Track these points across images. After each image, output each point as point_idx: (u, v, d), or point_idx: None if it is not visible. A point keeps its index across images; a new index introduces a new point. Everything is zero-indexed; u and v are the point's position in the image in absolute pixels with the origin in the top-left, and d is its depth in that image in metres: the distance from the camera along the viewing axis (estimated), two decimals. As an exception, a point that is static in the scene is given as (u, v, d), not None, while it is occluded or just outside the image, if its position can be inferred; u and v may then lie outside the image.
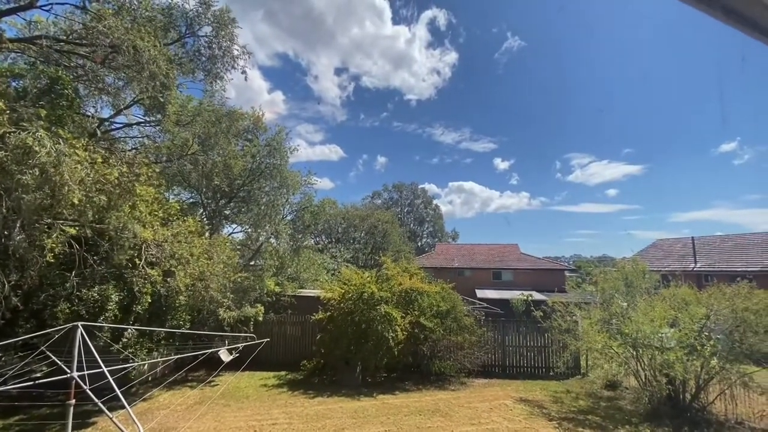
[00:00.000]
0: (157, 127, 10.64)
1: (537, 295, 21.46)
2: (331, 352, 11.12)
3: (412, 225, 60.74)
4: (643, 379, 8.75)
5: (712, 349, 7.63)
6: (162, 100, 8.44)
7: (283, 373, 11.92)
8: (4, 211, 5.50)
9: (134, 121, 10.97)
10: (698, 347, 7.74)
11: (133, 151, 10.33)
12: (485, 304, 17.74)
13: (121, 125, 10.91)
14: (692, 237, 28.28)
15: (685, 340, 7.99)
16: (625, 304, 9.79)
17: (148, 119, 10.67)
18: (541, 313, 11.42)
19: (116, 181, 5.97)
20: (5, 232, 5.90)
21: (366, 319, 10.77)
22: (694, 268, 24.91)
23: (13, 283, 6.09)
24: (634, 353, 8.75)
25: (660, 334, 8.32)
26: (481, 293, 25.18)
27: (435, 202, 62.64)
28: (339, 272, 18.04)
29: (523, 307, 18.79)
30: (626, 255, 15.17)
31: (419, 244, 58.45)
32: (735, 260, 24.00)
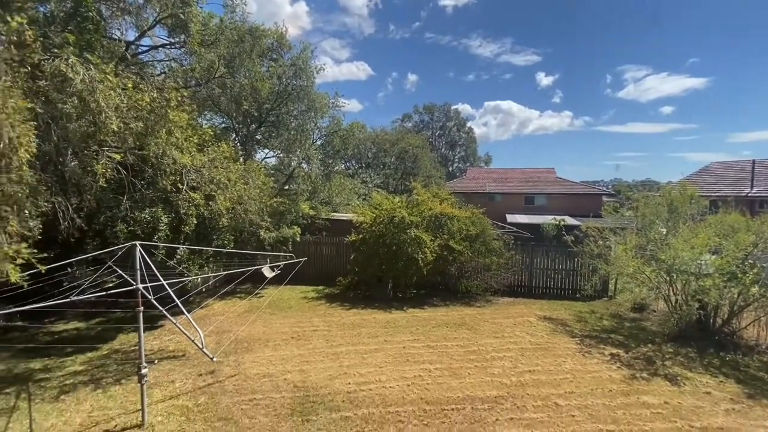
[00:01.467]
0: (182, 49, 10.36)
1: (570, 220, 21.10)
2: (364, 271, 11.84)
3: (443, 149, 59.09)
4: (673, 303, 8.79)
5: (754, 276, 7.40)
6: (183, 17, 8.07)
7: (320, 287, 12.97)
8: (55, 139, 5.81)
9: (159, 43, 10.70)
10: (739, 275, 7.53)
11: (162, 75, 10.26)
12: (515, 229, 17.75)
13: (147, 48, 10.69)
14: (753, 160, 25.83)
15: (727, 267, 7.76)
16: (665, 230, 9.46)
17: (172, 40, 10.37)
18: (573, 238, 11.34)
19: (149, 106, 6.04)
20: (59, 159, 6.31)
21: (397, 241, 11.17)
22: (749, 193, 23.18)
23: (75, 206, 6.68)
24: (668, 278, 8.69)
25: (699, 261, 8.12)
26: (511, 218, 25.06)
27: (468, 124, 59.85)
28: (370, 197, 18.33)
29: (554, 231, 18.64)
30: (673, 180, 14.23)
31: (450, 168, 57.38)
32: (799, 185, 22.00)
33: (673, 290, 8.78)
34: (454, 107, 59.93)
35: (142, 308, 5.26)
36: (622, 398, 6.05)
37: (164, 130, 6.50)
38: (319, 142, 16.21)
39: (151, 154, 6.86)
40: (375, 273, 11.67)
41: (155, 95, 6.28)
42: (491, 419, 5.47)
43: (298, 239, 12.79)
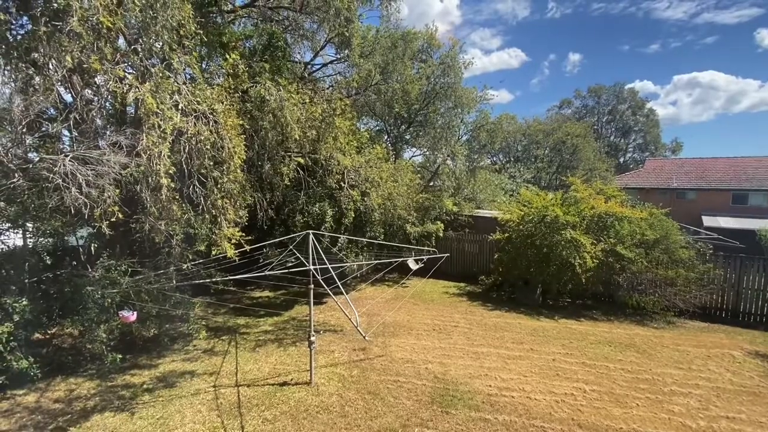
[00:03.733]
0: (346, 63, 11.79)
1: (813, 227, 15.29)
2: (509, 272, 11.23)
3: (612, 137, 50.68)
4: None
5: None
6: (347, 34, 9.18)
7: (462, 284, 12.93)
8: (256, 147, 7.48)
9: (328, 60, 12.47)
10: None
11: (330, 88, 11.91)
12: (716, 235, 13.91)
13: (320, 66, 12.61)
14: None
15: None
16: None
17: (338, 56, 11.94)
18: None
19: (320, 117, 7.14)
20: (259, 163, 8.08)
21: (548, 243, 10.20)
22: None
23: (268, 200, 8.46)
24: None
25: None
26: (711, 221, 19.76)
27: (649, 105, 49.51)
28: (518, 193, 17.20)
29: (783, 241, 13.83)
30: None
31: (622, 160, 48.83)
32: None
33: None
34: (628, 86, 50.59)
35: (312, 286, 6.29)
36: None
37: (331, 136, 7.58)
38: (464, 138, 16.12)
39: (321, 158, 8.10)
40: (521, 275, 10.93)
41: (325, 107, 7.37)
42: (667, 465, 4.50)
43: (441, 235, 13.04)
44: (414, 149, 17.27)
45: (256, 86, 6.76)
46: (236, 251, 6.00)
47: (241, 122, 6.12)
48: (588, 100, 51.70)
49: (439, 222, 13.28)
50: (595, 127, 48.18)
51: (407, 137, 16.29)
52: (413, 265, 10.92)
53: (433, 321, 9.45)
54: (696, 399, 5.93)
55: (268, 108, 6.37)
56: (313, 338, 6.21)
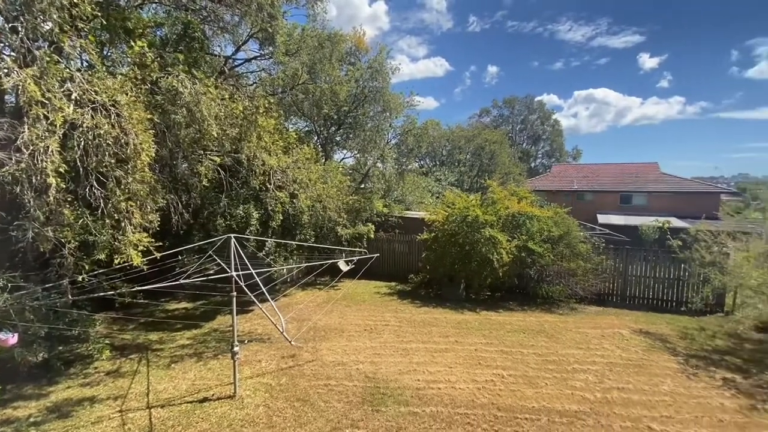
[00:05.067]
0: (270, 60, 11.36)
1: (677, 222, 18.45)
2: (436, 269, 11.75)
3: (524, 144, 55.80)
4: (816, 325, 7.18)
5: None
6: (270, 30, 8.85)
7: (392, 283, 13.21)
8: (169, 144, 6.83)
9: (252, 56, 11.89)
10: None
11: (254, 85, 11.38)
12: (607, 231, 16.07)
13: (242, 61, 11.96)
14: None
15: None
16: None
17: (262, 52, 11.45)
18: (680, 243, 9.89)
19: (242, 114, 6.77)
20: (173, 162, 7.39)
21: (470, 241, 10.88)
22: None
23: (184, 202, 7.77)
24: (808, 295, 7.13)
25: None
26: (604, 219, 22.73)
27: (554, 116, 55.50)
28: (443, 195, 18.11)
29: (656, 234, 16.46)
30: (822, 174, 11.58)
31: (533, 165, 53.96)
32: None
33: (816, 309, 7.18)
34: (537, 99, 56.23)
35: (235, 293, 5.92)
36: (736, 431, 5.13)
37: (255, 134, 7.22)
38: (393, 142, 16.51)
39: (244, 157, 7.67)
40: (447, 272, 11.51)
41: (247, 104, 7.01)
42: (570, 435, 5.06)
43: (372, 236, 13.18)
44: (345, 151, 17.28)
45: (167, 77, 6.18)
46: (145, 259, 5.41)
47: (150, 116, 5.55)
48: (503, 109, 56.40)
49: (370, 224, 13.42)
50: (510, 134, 52.71)
51: (337, 139, 16.22)
52: (343, 267, 10.86)
53: (365, 321, 9.50)
54: (593, 374, 6.77)
55: (181, 101, 5.86)
56: (236, 348, 5.85)
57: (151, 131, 5.34)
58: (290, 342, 6.82)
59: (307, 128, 16.31)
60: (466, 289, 11.53)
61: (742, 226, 9.82)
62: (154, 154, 5.29)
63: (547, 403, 5.81)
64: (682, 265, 10.25)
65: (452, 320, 9.61)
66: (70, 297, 6.11)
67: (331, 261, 10.24)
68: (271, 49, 10.14)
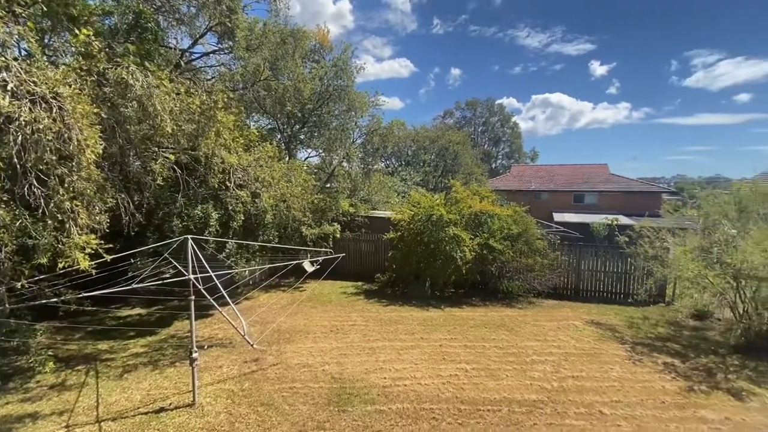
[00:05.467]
0: (230, 54, 10.97)
1: (624, 220, 19.77)
2: (402, 268, 11.88)
3: (486, 145, 57.57)
4: (741, 312, 7.98)
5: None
6: (230, 24, 8.54)
7: (359, 283, 13.19)
8: (120, 141, 6.40)
9: (210, 50, 11.42)
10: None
11: (212, 80, 10.93)
12: (562, 228, 16.95)
13: (200, 54, 11.45)
14: None
15: (806, 272, 6.92)
16: (734, 231, 8.58)
17: (221, 47, 11.02)
18: (626, 239, 10.61)
19: (199, 109, 6.48)
20: (124, 160, 6.94)
21: (435, 239, 11.09)
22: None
23: (137, 202, 7.32)
24: (734, 284, 7.89)
25: (772, 265, 7.30)
26: (559, 217, 23.93)
27: (514, 119, 57.74)
28: (409, 195, 18.32)
29: (605, 231, 17.56)
30: (747, 176, 12.86)
31: (493, 165, 55.80)
32: None
33: (740, 297, 7.96)
34: (498, 102, 58.22)
35: (193, 297, 5.67)
36: (676, 411, 5.60)
37: (213, 131, 6.94)
38: (359, 141, 16.48)
39: (202, 155, 7.34)
40: (413, 271, 11.66)
41: (205, 98, 6.71)
42: (529, 423, 5.29)
43: (338, 236, 13.09)
44: (309, 150, 17.02)
45: (116, 69, 5.80)
46: (93, 263, 5.05)
47: (96, 110, 5.17)
48: (466, 111, 57.94)
49: (336, 223, 13.31)
50: (472, 136, 54.20)
51: (301, 137, 15.95)
52: (309, 267, 10.70)
53: (331, 322, 9.42)
54: (550, 364, 7.11)
55: (132, 95, 5.50)
56: (195, 355, 5.60)
57: (98, 126, 4.98)
58: (253, 345, 6.64)
59: (269, 126, 15.91)
60: (432, 286, 11.74)
61: (680, 222, 10.70)
62: (101, 151, 4.94)
63: (507, 394, 6.04)
64: (629, 260, 11.00)
65: (418, 318, 9.75)
66: (7, 305, 5.60)
67: (295, 262, 10.06)
68: (230, 43, 9.78)
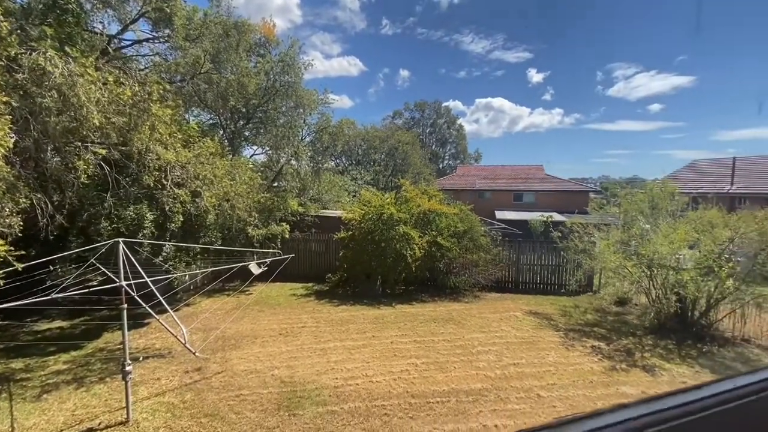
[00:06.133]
0: (167, 44, 10.22)
1: (558, 217, 21.41)
2: (353, 267, 11.87)
3: (434, 146, 59.22)
4: (653, 297, 9.02)
5: (729, 270, 7.64)
6: (168, 10, 7.96)
7: (310, 284, 12.96)
8: (35, 134, 5.70)
9: (143, 38, 10.53)
10: (716, 269, 7.77)
11: (146, 70, 10.11)
12: (503, 225, 17.96)
13: (131, 42, 10.53)
14: (734, 157, 26.46)
15: (704, 261, 8.01)
16: (648, 226, 9.68)
17: (156, 35, 10.22)
18: (559, 234, 11.52)
19: (130, 101, 5.97)
20: (40, 155, 6.20)
21: (385, 238, 11.23)
22: (729, 190, 23.78)
23: (56, 203, 6.58)
24: (648, 273, 8.91)
25: (677, 256, 8.35)
26: (500, 215, 25.31)
27: (459, 121, 59.97)
28: (359, 194, 18.34)
29: (542, 228, 18.91)
30: (658, 177, 14.56)
31: (441, 165, 57.58)
32: (777, 182, 22.62)
33: (653, 284, 9.00)
34: (444, 104, 60.05)
35: (125, 305, 5.22)
36: (602, 389, 6.21)
37: (147, 125, 6.43)
38: (308, 139, 16.16)
39: (135, 150, 6.77)
40: (364, 269, 11.71)
41: (137, 89, 6.19)
42: (475, 411, 5.57)
43: (287, 236, 12.75)
44: (255, 147, 16.37)
45: (31, 54, 5.16)
46: (1, 272, 4.46)
47: (5, 99, 4.57)
48: (415, 112, 59.17)
49: (284, 223, 12.95)
50: (421, 137, 55.48)
51: (246, 134, 15.27)
52: (255, 270, 10.34)
53: (280, 325, 9.17)
54: (494, 354, 7.53)
55: (51, 83, 4.92)
56: (128, 368, 5.17)
57: (7, 116, 4.41)
58: (195, 354, 6.26)
59: (211, 121, 15.07)
60: (383, 284, 11.87)
61: (605, 219, 11.85)
62: (12, 145, 4.38)
63: (455, 385, 6.30)
64: (562, 253, 11.96)
65: (370, 316, 9.81)
66: None
67: (241, 264, 9.65)
68: (168, 31, 9.11)
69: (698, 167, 29.53)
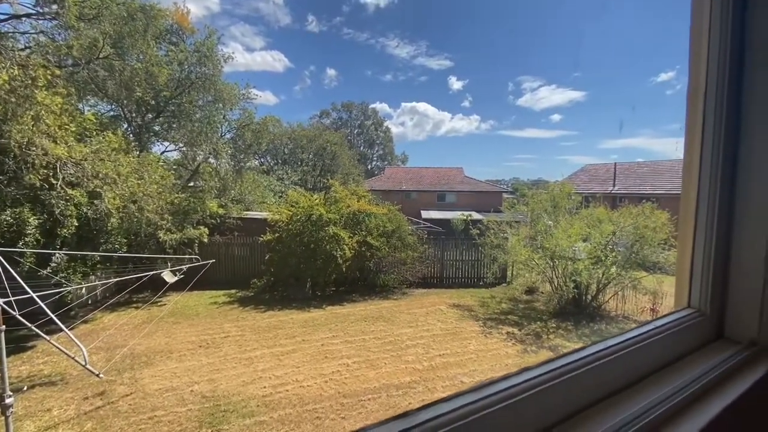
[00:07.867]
0: (55, 21, 8.82)
1: (476, 215, 23.07)
2: (281, 271, 11.48)
3: (362, 147, 59.78)
4: (556, 285, 10.22)
5: (613, 259, 9.00)
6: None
7: (233, 291, 12.20)
8: None
9: (23, 12, 8.95)
10: (603, 258, 9.08)
11: (27, 50, 8.62)
12: (429, 224, 18.84)
13: (7, 17, 8.87)
14: (615, 163, 31.10)
15: (594, 252, 9.31)
16: (551, 222, 10.94)
17: (42, 10, 8.75)
18: (478, 231, 12.45)
19: (7, 86, 5.05)
20: None
21: (315, 239, 11.06)
22: (612, 190, 27.88)
23: None
24: (551, 264, 10.07)
25: (574, 248, 9.57)
26: (426, 214, 26.49)
27: (386, 123, 61.38)
28: (286, 195, 17.77)
29: (462, 226, 20.23)
30: (558, 179, 16.54)
31: (369, 166, 58.34)
32: (646, 184, 27.13)
33: (555, 273, 10.21)
34: (372, 106, 60.97)
35: (3, 327, 4.41)
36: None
37: (30, 114, 5.50)
38: (228, 136, 15.21)
39: (14, 144, 5.74)
40: (292, 272, 11.39)
41: (16, 72, 5.27)
42: (405, 403, 5.78)
43: (205, 240, 11.86)
44: (167, 143, 14.90)
45: None
46: None
47: None
48: (342, 113, 59.14)
49: (202, 227, 12.01)
50: (349, 137, 55.63)
51: (156, 128, 13.86)
52: (170, 278, 9.52)
53: (199, 337, 8.50)
54: (421, 347, 7.87)
55: None
56: (9, 400, 4.38)
57: None
58: (97, 375, 5.54)
59: (112, 113, 13.39)
60: (313, 287, 11.67)
61: (516, 216, 13.10)
62: None
63: (386, 381, 6.46)
64: (480, 249, 12.95)
65: (299, 320, 9.58)
66: None
67: (151, 273, 8.74)
68: (56, 7, 7.88)
69: (589, 171, 34.10)
